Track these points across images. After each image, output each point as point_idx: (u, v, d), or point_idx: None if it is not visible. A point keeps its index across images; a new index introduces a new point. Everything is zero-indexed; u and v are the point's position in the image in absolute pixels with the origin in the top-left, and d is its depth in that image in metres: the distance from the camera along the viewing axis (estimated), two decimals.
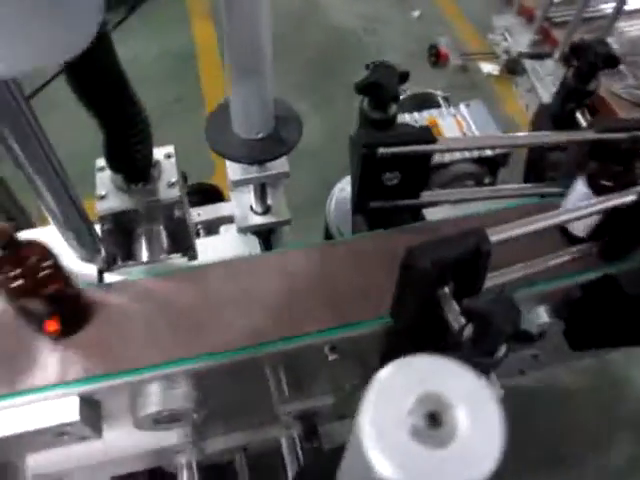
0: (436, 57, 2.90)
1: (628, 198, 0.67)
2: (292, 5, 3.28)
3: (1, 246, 0.57)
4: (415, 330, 0.64)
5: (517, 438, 1.48)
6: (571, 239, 0.78)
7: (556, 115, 0.85)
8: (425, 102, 1.12)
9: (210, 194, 1.42)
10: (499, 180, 1.05)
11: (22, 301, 0.63)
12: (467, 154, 0.98)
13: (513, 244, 0.63)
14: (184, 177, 1.33)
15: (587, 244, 0.77)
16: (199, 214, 1.30)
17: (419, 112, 1.06)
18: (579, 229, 0.78)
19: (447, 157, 0.95)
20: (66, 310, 0.70)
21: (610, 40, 2.60)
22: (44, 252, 0.63)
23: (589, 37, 2.52)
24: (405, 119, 1.03)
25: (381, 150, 0.68)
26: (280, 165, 0.96)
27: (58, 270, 0.65)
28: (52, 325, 0.67)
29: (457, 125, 1.04)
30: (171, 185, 0.88)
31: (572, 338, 0.90)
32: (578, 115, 0.84)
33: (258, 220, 1.07)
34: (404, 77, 0.71)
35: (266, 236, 1.14)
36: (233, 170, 0.97)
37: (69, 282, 0.69)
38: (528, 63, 2.75)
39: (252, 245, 1.14)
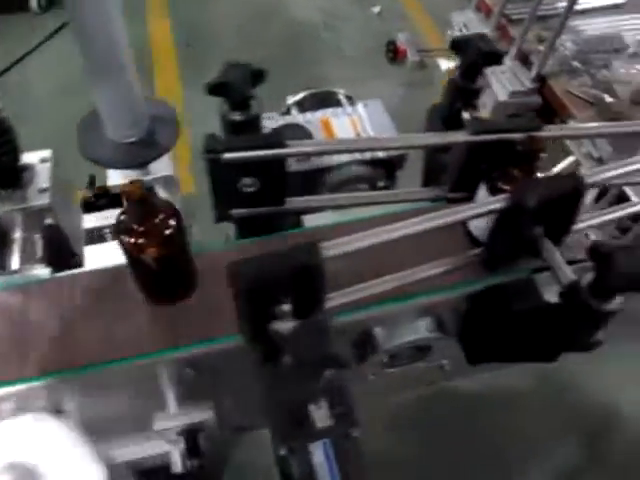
0: (394, 53, 2.86)
1: (498, 204, 0.62)
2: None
3: (134, 199, 0.58)
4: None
5: (462, 440, 1.45)
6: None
7: (445, 115, 0.81)
8: (325, 101, 1.06)
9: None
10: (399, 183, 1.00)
11: (143, 256, 0.62)
12: (358, 155, 0.93)
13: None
14: (91, 181, 1.27)
15: (472, 253, 0.73)
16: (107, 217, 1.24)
17: (313, 112, 1.01)
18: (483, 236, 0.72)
19: (335, 159, 0.90)
20: (178, 274, 0.69)
21: (565, 38, 2.57)
22: (171, 212, 0.63)
23: (545, 34, 2.48)
24: (297, 119, 0.98)
25: (226, 156, 0.63)
26: (163, 168, 0.91)
27: (181, 232, 0.64)
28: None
29: (352, 125, 0.99)
30: (42, 191, 0.84)
31: (468, 352, 0.86)
32: (464, 115, 0.79)
33: None
34: (258, 76, 0.66)
35: None
36: (112, 176, 0.92)
37: (187, 247, 0.68)
38: None
39: None
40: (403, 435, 1.83)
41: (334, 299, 0.65)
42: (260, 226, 0.76)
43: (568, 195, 0.62)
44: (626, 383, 1.98)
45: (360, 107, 1.04)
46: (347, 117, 1.00)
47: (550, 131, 0.69)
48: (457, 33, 2.88)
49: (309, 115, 0.98)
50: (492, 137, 0.67)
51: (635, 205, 0.82)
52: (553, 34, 2.36)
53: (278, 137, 0.64)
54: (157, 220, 0.61)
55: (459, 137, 0.68)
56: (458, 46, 0.75)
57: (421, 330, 0.74)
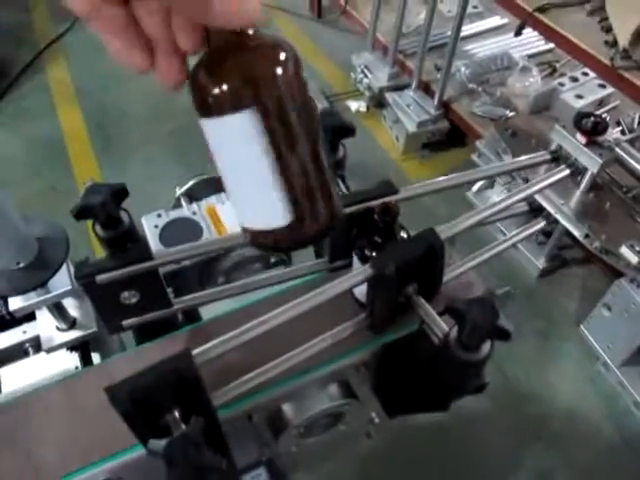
0: None
1: (364, 274, 0.66)
2: None
3: None
4: None
5: (436, 465, 1.45)
6: None
7: None
8: (215, 185, 1.09)
9: None
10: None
11: None
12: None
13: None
14: None
15: (360, 318, 0.76)
16: (24, 332, 1.23)
17: (198, 201, 1.03)
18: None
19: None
20: None
21: (459, 63, 2.70)
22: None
23: (441, 63, 2.60)
24: (184, 213, 0.99)
25: (99, 278, 0.65)
26: (62, 285, 0.92)
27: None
28: None
29: None
30: None
31: (384, 406, 0.88)
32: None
33: (63, 338, 1.01)
34: (121, 195, 0.68)
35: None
36: (12, 299, 0.92)
37: None
38: (389, 96, 2.82)
39: (71, 361, 1.09)
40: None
41: (226, 393, 0.66)
42: (157, 328, 0.78)
43: (426, 255, 0.66)
44: (561, 380, 2.05)
45: None
46: None
47: (406, 192, 0.73)
48: (360, 75, 2.99)
49: (194, 206, 1.00)
50: (351, 209, 0.71)
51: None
52: (446, 61, 2.48)
53: (143, 251, 0.66)
54: None
55: None
56: None
57: (324, 400, 0.75)
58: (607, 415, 2.00)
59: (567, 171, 0.77)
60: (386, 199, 0.70)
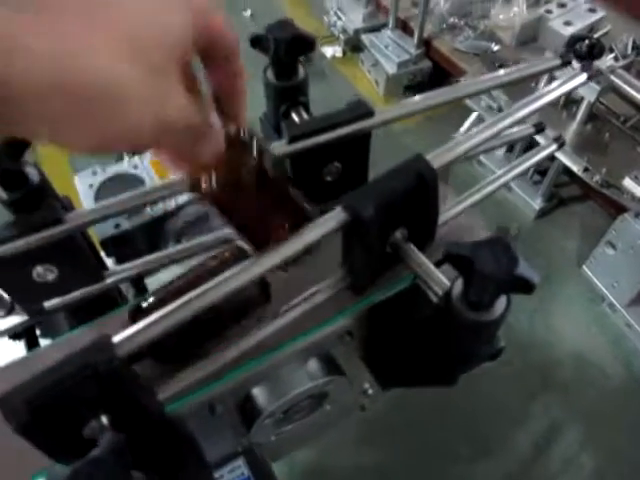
0: None
1: (333, 222, 0.51)
2: None
3: None
4: None
5: (438, 426, 1.33)
6: None
7: (275, 123, 0.69)
8: None
9: None
10: None
11: None
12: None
13: None
14: None
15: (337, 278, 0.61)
16: None
17: (143, 155, 0.87)
18: None
19: (173, 202, 0.78)
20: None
21: None
22: None
23: None
24: (123, 168, 0.83)
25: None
26: None
27: None
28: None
29: None
30: None
31: (377, 378, 0.75)
32: (293, 116, 0.67)
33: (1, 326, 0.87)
34: (18, 145, 0.53)
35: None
36: None
37: None
38: (366, 38, 2.63)
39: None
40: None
41: (175, 383, 0.52)
42: (92, 309, 0.63)
43: (416, 189, 0.51)
44: (566, 325, 1.95)
45: None
46: None
47: (383, 114, 0.58)
48: (334, 18, 2.80)
49: (136, 159, 0.84)
50: (319, 138, 0.56)
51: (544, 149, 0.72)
52: None
53: (52, 212, 0.51)
54: None
55: (275, 151, 0.57)
56: (258, 43, 0.63)
57: (303, 380, 0.62)
58: (615, 357, 1.90)
59: (584, 76, 0.62)
60: (360, 123, 0.55)
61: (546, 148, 0.73)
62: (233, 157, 0.42)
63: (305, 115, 0.66)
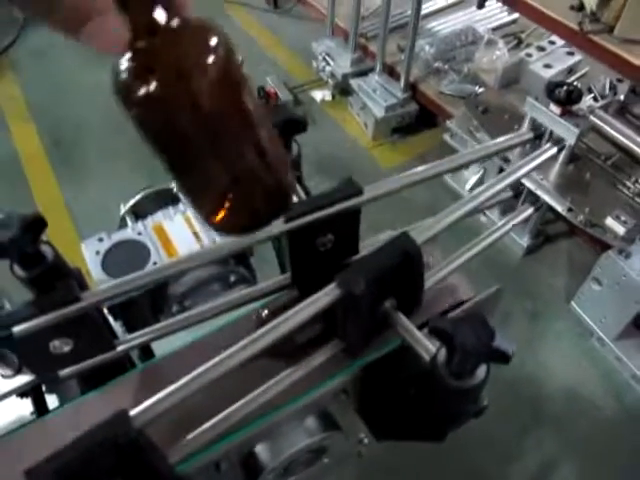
0: (266, 98, 2.83)
1: (328, 298, 0.56)
2: None
3: None
4: None
5: (434, 464, 1.34)
6: None
7: None
8: (163, 199, 0.97)
9: None
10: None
11: None
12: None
13: None
14: None
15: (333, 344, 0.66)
16: None
17: (145, 219, 0.91)
18: None
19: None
20: None
21: (423, 42, 2.61)
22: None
23: (404, 43, 2.49)
24: (128, 234, 0.87)
25: (19, 329, 0.54)
26: None
27: None
28: None
29: (187, 224, 0.90)
30: None
31: (372, 430, 0.79)
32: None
33: (9, 386, 0.90)
34: (37, 226, 0.58)
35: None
36: None
37: None
38: (354, 82, 2.72)
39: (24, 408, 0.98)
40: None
41: (185, 446, 0.57)
42: (102, 375, 0.67)
43: (402, 264, 0.56)
44: (556, 360, 1.99)
45: None
46: (180, 215, 0.89)
47: (372, 191, 0.63)
48: (322, 63, 2.89)
49: (140, 225, 0.88)
50: (312, 217, 0.61)
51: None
52: (409, 41, 2.39)
53: (68, 291, 0.55)
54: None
55: (273, 229, 0.61)
56: None
57: (302, 437, 0.66)
58: (606, 391, 1.94)
59: (554, 149, 0.68)
60: (350, 201, 0.60)
61: (546, 151, 0.74)
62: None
63: (299, 188, 0.71)
